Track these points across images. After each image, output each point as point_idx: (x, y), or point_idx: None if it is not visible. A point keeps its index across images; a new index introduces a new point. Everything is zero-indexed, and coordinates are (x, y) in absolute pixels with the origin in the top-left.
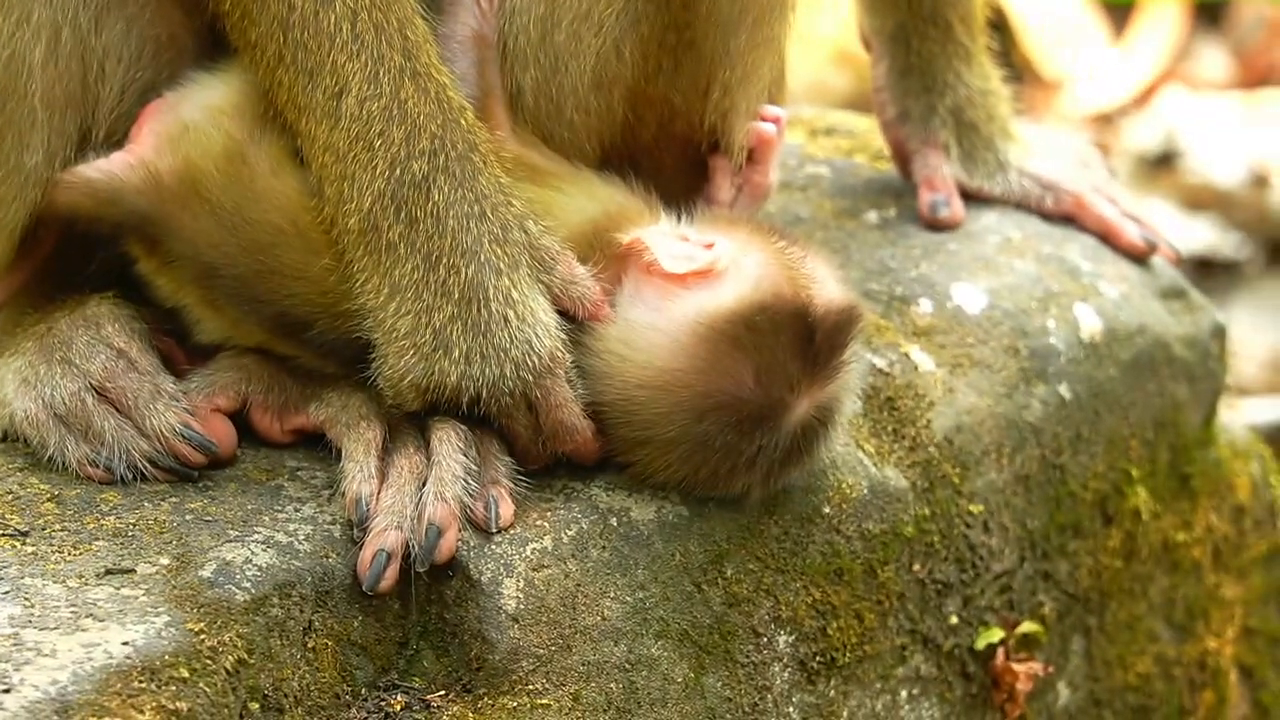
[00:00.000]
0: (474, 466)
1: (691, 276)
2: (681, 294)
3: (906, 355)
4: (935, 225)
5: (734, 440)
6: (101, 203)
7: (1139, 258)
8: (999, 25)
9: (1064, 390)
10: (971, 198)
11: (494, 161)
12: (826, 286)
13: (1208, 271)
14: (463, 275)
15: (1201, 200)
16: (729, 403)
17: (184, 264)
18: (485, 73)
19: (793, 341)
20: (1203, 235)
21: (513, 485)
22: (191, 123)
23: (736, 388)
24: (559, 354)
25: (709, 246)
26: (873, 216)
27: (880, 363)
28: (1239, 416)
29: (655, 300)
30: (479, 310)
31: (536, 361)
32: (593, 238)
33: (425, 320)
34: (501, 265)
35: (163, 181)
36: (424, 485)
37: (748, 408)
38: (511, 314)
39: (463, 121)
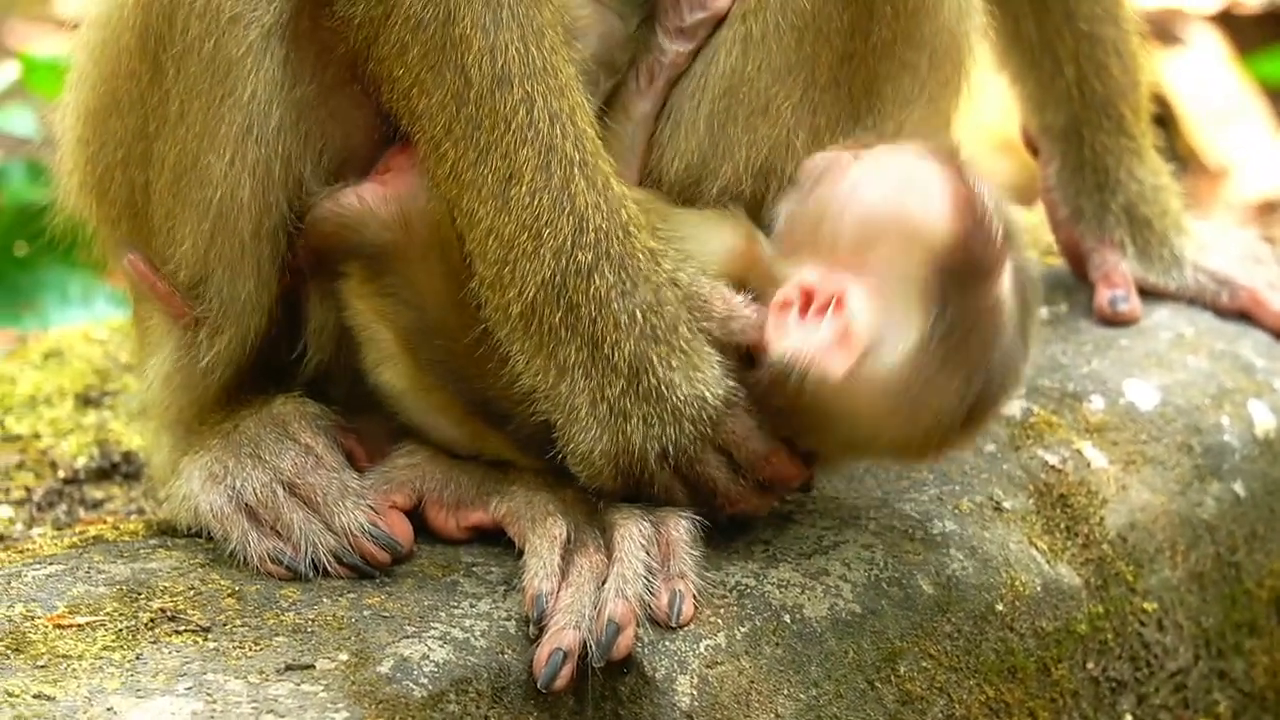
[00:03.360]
0: (655, 564)
1: (859, 362)
2: (868, 372)
3: (1079, 452)
4: (1114, 321)
5: (1002, 366)
6: (345, 226)
7: None
8: (1162, 116)
9: (1238, 487)
10: (1146, 293)
11: (644, 229)
12: (928, 194)
13: None
14: (625, 350)
15: None
16: (987, 368)
17: (400, 308)
18: (627, 143)
19: (975, 273)
20: None
21: (698, 580)
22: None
23: (980, 364)
24: (733, 396)
25: (838, 303)
26: (1044, 312)
27: (1053, 459)
28: None
29: (847, 385)
30: (647, 380)
31: (713, 412)
32: (736, 269)
33: (600, 395)
34: (659, 332)
35: (412, 226)
36: (604, 584)
37: (998, 352)
38: (677, 376)
39: (624, 211)
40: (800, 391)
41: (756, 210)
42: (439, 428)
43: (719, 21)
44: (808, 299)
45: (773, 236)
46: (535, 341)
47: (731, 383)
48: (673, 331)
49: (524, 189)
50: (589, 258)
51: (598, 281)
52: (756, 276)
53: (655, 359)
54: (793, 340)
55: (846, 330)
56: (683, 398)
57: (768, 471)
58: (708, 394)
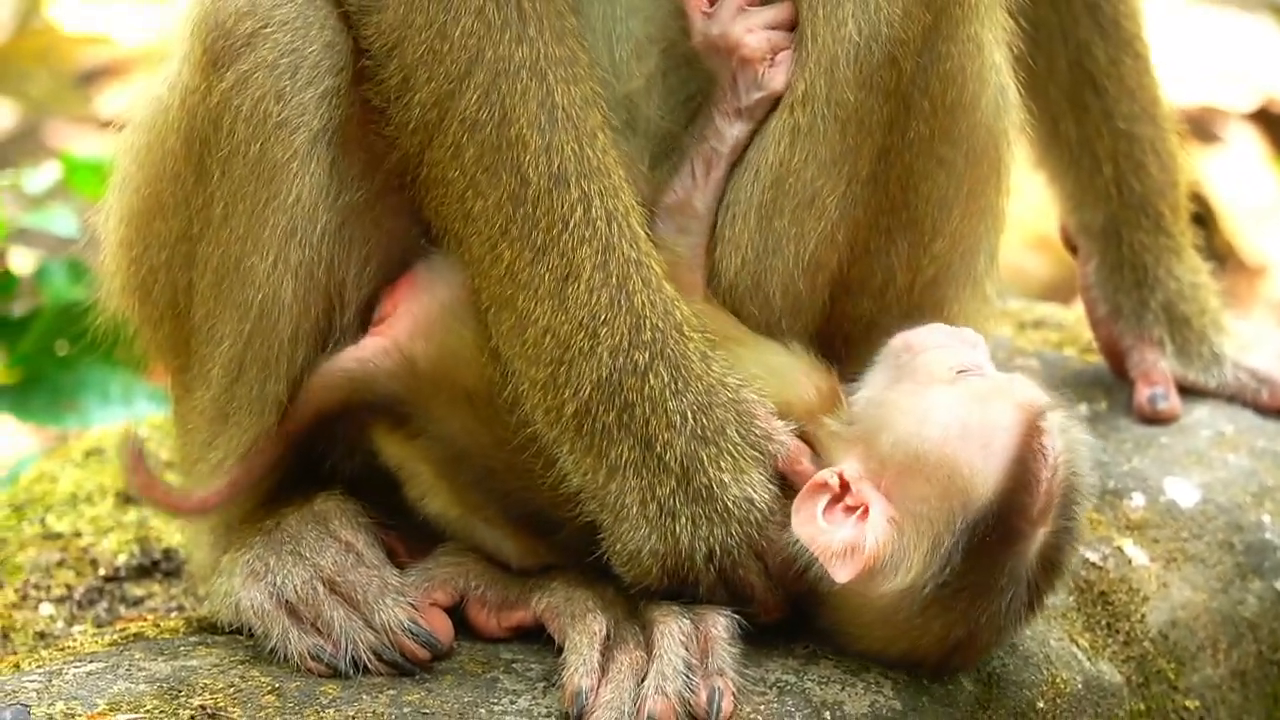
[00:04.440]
0: (695, 660)
1: (864, 576)
2: (868, 586)
3: (1120, 549)
4: (1155, 419)
5: (995, 624)
6: (356, 388)
7: None
8: (1201, 214)
9: None
10: (1185, 391)
11: (697, 332)
12: (989, 450)
13: None
14: (677, 449)
15: None
16: (973, 623)
17: (431, 443)
18: (689, 241)
19: (998, 543)
20: None
21: (737, 677)
22: (446, 306)
23: (968, 617)
24: (776, 504)
25: (863, 511)
26: (1084, 409)
27: (1093, 556)
28: None
29: (849, 587)
30: (698, 480)
31: (759, 516)
32: (798, 413)
33: (650, 495)
34: (709, 433)
35: (418, 367)
36: (643, 680)
37: (989, 615)
38: (727, 478)
39: (678, 311)
40: (807, 573)
41: (832, 321)
42: (491, 542)
43: (775, 102)
44: (843, 491)
45: (849, 403)
46: (587, 442)
47: (775, 489)
48: (721, 434)
49: (582, 287)
50: (645, 357)
51: (652, 381)
52: (815, 435)
53: (705, 459)
54: (811, 530)
55: (859, 546)
56: (732, 499)
57: (800, 587)
58: (755, 497)
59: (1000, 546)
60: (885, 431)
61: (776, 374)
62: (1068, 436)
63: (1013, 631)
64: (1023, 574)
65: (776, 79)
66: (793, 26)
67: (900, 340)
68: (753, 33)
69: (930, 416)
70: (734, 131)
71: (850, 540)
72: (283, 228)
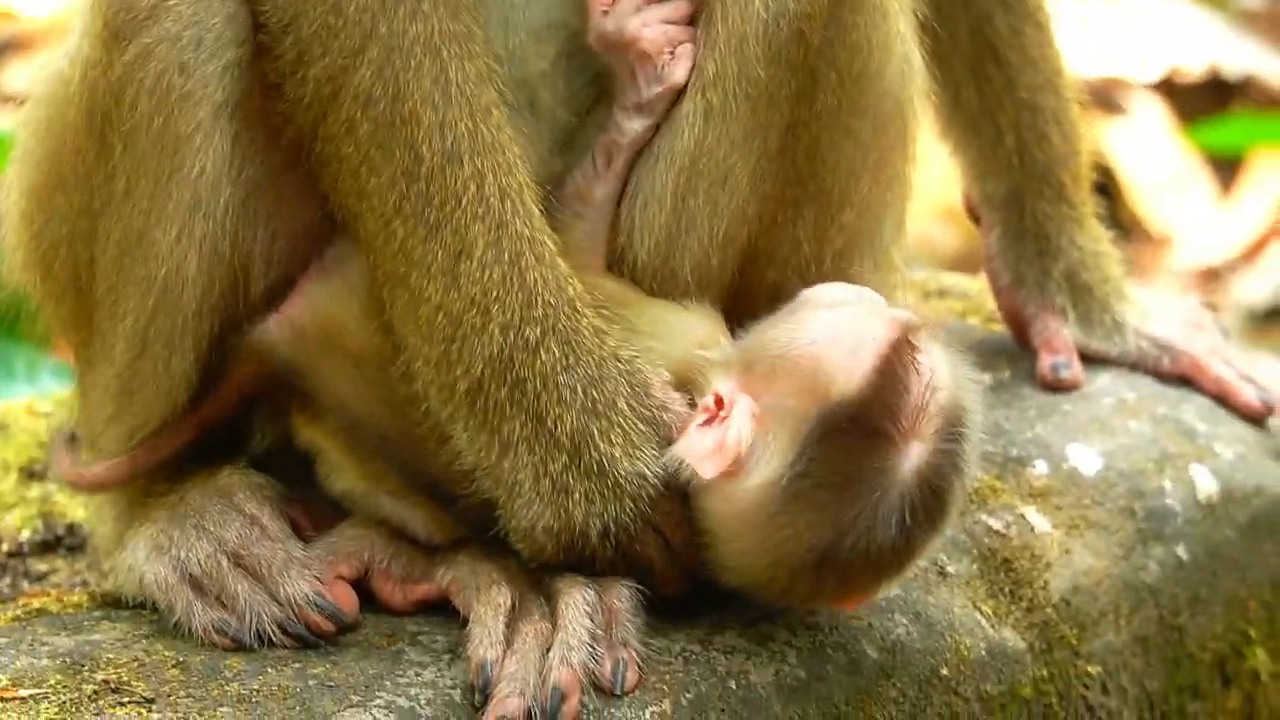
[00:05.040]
0: (599, 631)
1: (730, 471)
2: (735, 487)
3: (1022, 516)
4: (1057, 387)
5: (862, 539)
6: (259, 361)
7: (1256, 419)
8: (1105, 183)
9: (1181, 551)
10: (1088, 359)
11: (589, 309)
12: (854, 352)
13: None
14: (568, 424)
15: None
16: (837, 530)
17: (331, 416)
18: (585, 228)
19: (858, 440)
20: None
21: (641, 648)
22: (336, 278)
23: (833, 522)
24: (670, 478)
25: (723, 412)
26: (987, 379)
27: (996, 524)
28: None
29: (719, 495)
30: (589, 454)
31: (652, 491)
32: (680, 368)
33: (543, 471)
34: (600, 406)
35: (305, 334)
36: (548, 652)
37: (853, 522)
38: (619, 452)
39: (570, 287)
40: (685, 494)
41: (738, 294)
42: (398, 516)
43: (677, 95)
44: (718, 409)
45: (732, 342)
46: (480, 418)
47: (668, 464)
48: (612, 407)
49: (474, 264)
50: (537, 333)
51: (544, 356)
52: (698, 378)
53: (596, 433)
54: (684, 443)
55: (723, 441)
56: (624, 474)
57: (692, 559)
58: (648, 472)
59: (862, 444)
60: (758, 346)
61: (667, 329)
62: (951, 365)
63: (885, 564)
64: (892, 485)
65: (676, 72)
66: (691, 20)
67: (793, 301)
68: (650, 27)
69: (803, 327)
70: (634, 125)
71: (718, 439)
72: (186, 201)
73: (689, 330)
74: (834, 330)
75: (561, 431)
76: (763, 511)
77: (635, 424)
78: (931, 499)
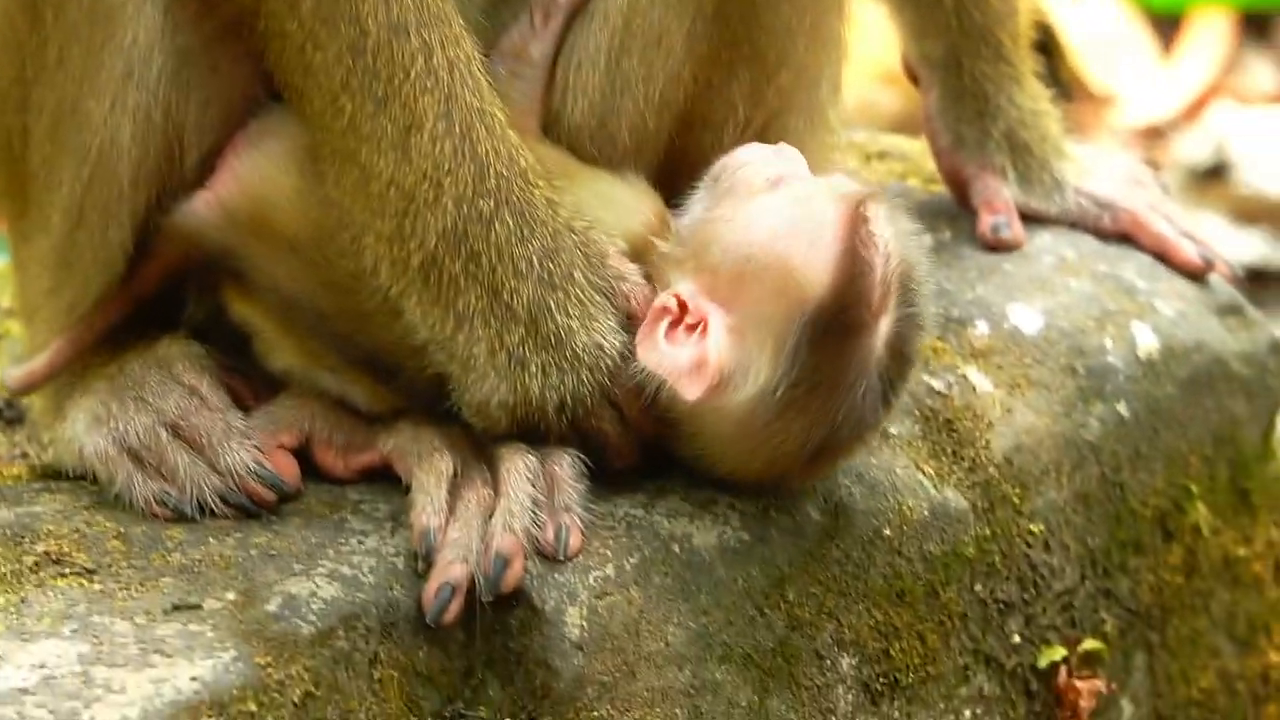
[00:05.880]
0: (542, 497)
1: (714, 389)
2: (720, 401)
3: (964, 377)
4: (997, 246)
5: (853, 422)
6: (188, 243)
7: (1195, 275)
8: (1046, 43)
9: (1122, 408)
10: (1028, 219)
11: (542, 179)
12: (816, 246)
13: (1261, 283)
14: (524, 296)
15: (1253, 212)
16: (831, 423)
17: (265, 295)
18: (522, 88)
19: (841, 334)
20: (1255, 247)
21: (584, 513)
22: (266, 156)
23: (826, 416)
24: (628, 349)
25: (703, 326)
26: (928, 240)
27: (938, 385)
28: None
29: (702, 407)
30: (546, 326)
31: (609, 362)
32: (636, 245)
33: (498, 344)
34: (556, 278)
35: (236, 217)
36: (491, 518)
37: (845, 411)
38: (575, 324)
39: (522, 159)
40: (657, 402)
41: (675, 156)
42: (338, 389)
43: None
44: (682, 312)
45: (678, 228)
46: (434, 293)
47: (625, 336)
48: (568, 279)
49: (425, 137)
50: (490, 205)
51: (498, 228)
52: (650, 262)
53: (553, 305)
54: (655, 355)
55: (704, 360)
56: (580, 345)
57: (650, 431)
58: (604, 343)
59: (845, 338)
60: (713, 245)
61: (611, 203)
62: (896, 225)
63: (872, 426)
64: (871, 365)
65: None
66: None
67: (718, 164)
68: None
69: (754, 222)
70: None
71: (695, 357)
72: (119, 70)
73: (634, 204)
74: (787, 223)
75: (518, 304)
76: (755, 421)
77: (592, 295)
78: (902, 363)
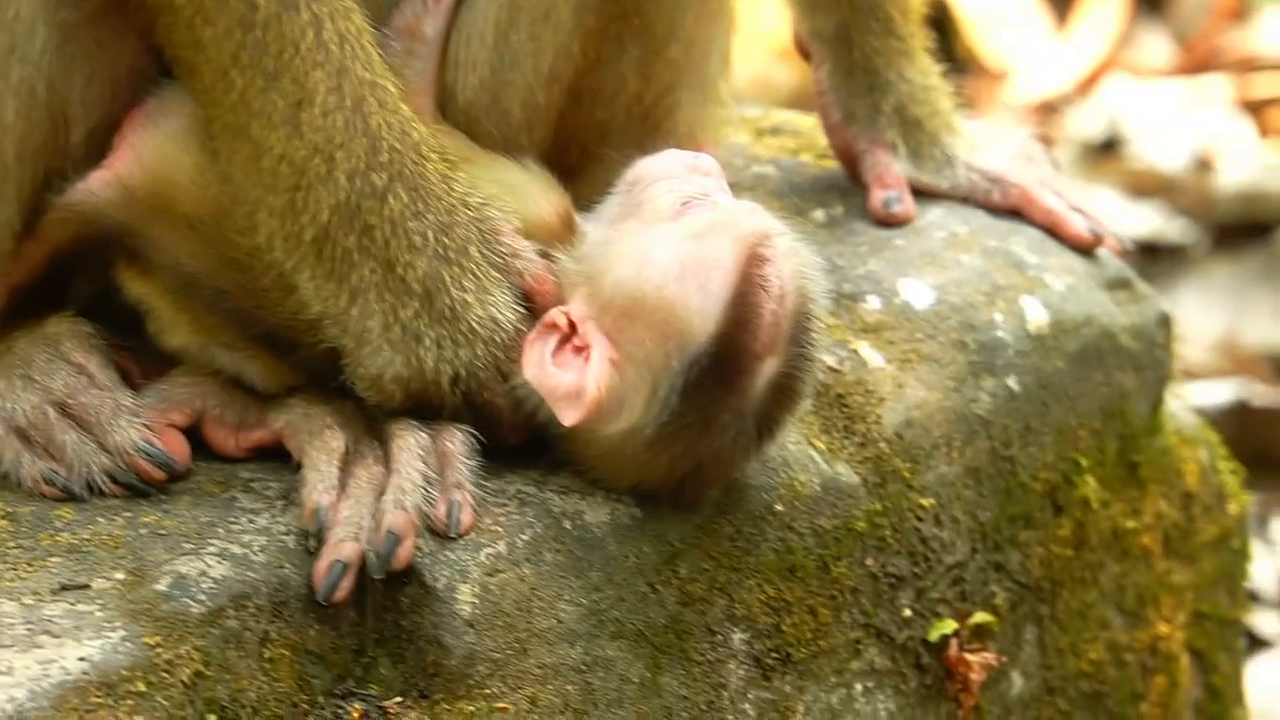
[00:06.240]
0: (433, 474)
1: (590, 418)
2: (596, 427)
3: (855, 352)
4: (889, 221)
5: (722, 453)
6: (84, 223)
7: (1085, 250)
8: (941, 18)
9: (1012, 383)
10: (920, 194)
11: (435, 153)
12: (706, 289)
13: (1154, 257)
14: (419, 270)
15: (1146, 186)
16: (699, 457)
17: (162, 273)
18: (417, 66)
19: (720, 378)
20: (1148, 221)
21: (476, 490)
22: (165, 134)
23: (695, 448)
24: (523, 324)
25: (586, 354)
26: (820, 215)
27: (830, 360)
28: (1187, 401)
29: (580, 431)
30: (441, 300)
31: (505, 336)
32: (537, 235)
33: (393, 318)
34: (451, 253)
35: (136, 196)
36: (382, 495)
37: (714, 444)
38: (471, 298)
39: (415, 132)
40: (538, 414)
41: (566, 131)
42: (233, 367)
43: None
44: (571, 330)
45: (582, 235)
46: (327, 267)
47: (521, 309)
48: (463, 254)
49: (316, 111)
50: (383, 179)
51: (392, 202)
52: (548, 253)
53: (448, 279)
54: (539, 373)
55: (582, 389)
56: (476, 319)
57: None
58: (499, 317)
59: (721, 385)
60: (608, 273)
61: (514, 192)
62: (797, 260)
63: (741, 463)
64: (748, 409)
65: None
66: None
67: (633, 172)
68: None
69: (648, 258)
70: None
71: (574, 384)
72: (2, 45)
73: (537, 193)
74: (680, 265)
75: (412, 278)
76: (623, 453)
77: (487, 270)
78: (787, 398)
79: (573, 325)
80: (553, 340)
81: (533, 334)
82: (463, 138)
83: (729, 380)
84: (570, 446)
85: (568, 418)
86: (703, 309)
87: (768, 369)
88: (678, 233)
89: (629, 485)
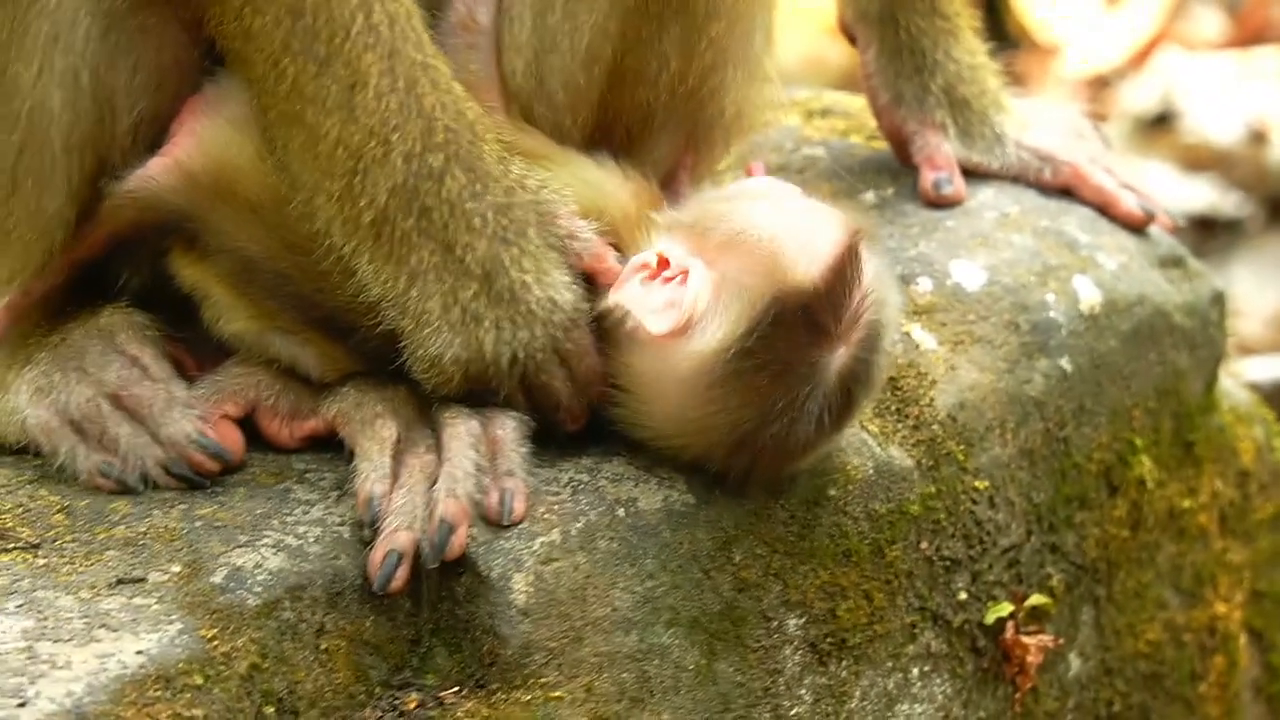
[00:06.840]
0: (484, 463)
1: (678, 331)
2: (676, 349)
3: (908, 334)
4: (940, 203)
5: (783, 428)
6: (143, 209)
7: (1137, 227)
8: None
9: (1065, 363)
10: (970, 173)
11: (491, 134)
12: (811, 246)
13: (1208, 231)
14: (478, 252)
15: (1200, 160)
16: (764, 415)
17: (221, 258)
18: (479, 58)
19: (803, 331)
20: (1202, 195)
21: (528, 478)
22: (227, 120)
23: (761, 406)
24: (581, 305)
25: (682, 276)
26: (870, 197)
27: None
28: (1242, 377)
29: (656, 354)
30: (501, 282)
31: (563, 316)
32: (615, 222)
33: (453, 299)
34: (510, 234)
35: (198, 181)
36: (435, 483)
37: (780, 411)
38: (530, 279)
39: (469, 112)
40: (616, 344)
41: (609, 113)
42: (288, 354)
43: None
44: (662, 267)
45: (675, 212)
46: (386, 250)
47: (579, 290)
48: (522, 235)
49: (370, 94)
50: (440, 160)
51: (449, 183)
52: (632, 228)
53: (507, 261)
54: (629, 293)
55: (678, 301)
56: (535, 300)
57: (597, 392)
58: (559, 298)
59: (805, 335)
60: (710, 214)
61: (592, 186)
62: (882, 282)
63: (795, 453)
64: (820, 384)
65: None
66: None
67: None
68: None
69: (758, 208)
70: None
71: (669, 298)
72: (46, 34)
73: (608, 183)
74: (789, 218)
75: (471, 259)
76: (699, 380)
77: (545, 251)
78: (846, 403)
79: (663, 262)
80: (641, 275)
81: (622, 274)
82: (536, 133)
83: (813, 334)
84: (636, 396)
85: (659, 325)
86: (806, 258)
87: (840, 355)
88: (788, 205)
89: (686, 433)
